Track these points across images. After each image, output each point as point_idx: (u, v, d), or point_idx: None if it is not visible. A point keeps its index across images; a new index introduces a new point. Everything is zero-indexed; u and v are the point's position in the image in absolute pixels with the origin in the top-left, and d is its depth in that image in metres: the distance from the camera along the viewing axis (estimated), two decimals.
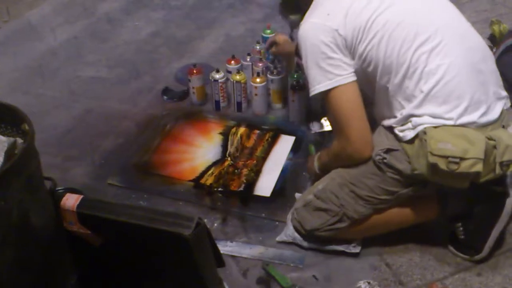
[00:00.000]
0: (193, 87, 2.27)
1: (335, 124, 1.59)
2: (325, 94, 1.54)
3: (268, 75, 2.19)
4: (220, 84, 2.21)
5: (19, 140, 1.17)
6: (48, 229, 1.21)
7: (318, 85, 1.54)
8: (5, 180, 1.05)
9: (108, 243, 1.30)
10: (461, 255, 1.62)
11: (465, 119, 1.45)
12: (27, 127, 1.15)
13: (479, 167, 1.39)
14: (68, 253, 1.31)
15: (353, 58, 1.52)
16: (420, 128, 1.46)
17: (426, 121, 1.46)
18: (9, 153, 1.14)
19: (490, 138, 1.43)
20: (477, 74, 1.49)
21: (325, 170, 1.69)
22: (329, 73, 1.51)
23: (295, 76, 2.13)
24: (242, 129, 2.16)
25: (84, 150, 2.11)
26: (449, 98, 1.45)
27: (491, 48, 1.81)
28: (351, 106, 1.53)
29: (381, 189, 1.54)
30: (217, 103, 2.26)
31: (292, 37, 2.03)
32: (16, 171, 1.07)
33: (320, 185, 1.63)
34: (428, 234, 1.68)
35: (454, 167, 1.39)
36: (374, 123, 1.62)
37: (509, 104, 1.58)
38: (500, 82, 1.57)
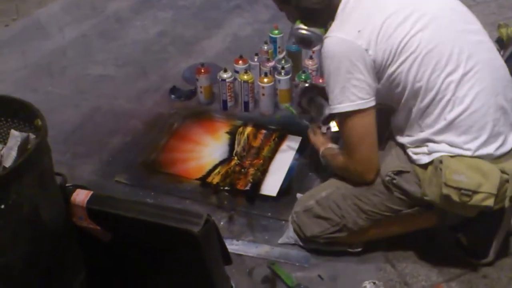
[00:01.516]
0: (200, 87, 2.28)
1: (345, 143, 1.57)
2: (342, 114, 1.49)
3: (276, 75, 2.20)
4: (227, 84, 2.22)
5: (32, 136, 1.18)
6: (58, 224, 1.22)
7: (339, 105, 1.48)
8: (18, 174, 1.05)
9: (117, 239, 1.31)
10: (467, 259, 1.62)
11: (482, 152, 1.44)
12: (40, 123, 1.16)
13: (490, 202, 1.39)
14: (77, 248, 1.32)
15: (380, 79, 1.47)
16: (436, 155, 1.44)
17: (443, 149, 1.44)
18: (22, 148, 1.15)
19: (503, 172, 1.41)
20: (500, 105, 1.46)
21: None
22: (352, 95, 1.45)
23: (303, 76, 2.14)
24: (249, 129, 2.16)
25: (92, 147, 2.12)
26: (471, 129, 1.43)
27: (499, 51, 1.80)
28: (364, 131, 1.49)
29: (385, 207, 1.54)
30: (225, 102, 2.27)
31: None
32: (29, 166, 1.07)
33: (324, 192, 1.63)
34: (434, 236, 1.68)
35: (466, 199, 1.39)
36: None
37: None
38: None
